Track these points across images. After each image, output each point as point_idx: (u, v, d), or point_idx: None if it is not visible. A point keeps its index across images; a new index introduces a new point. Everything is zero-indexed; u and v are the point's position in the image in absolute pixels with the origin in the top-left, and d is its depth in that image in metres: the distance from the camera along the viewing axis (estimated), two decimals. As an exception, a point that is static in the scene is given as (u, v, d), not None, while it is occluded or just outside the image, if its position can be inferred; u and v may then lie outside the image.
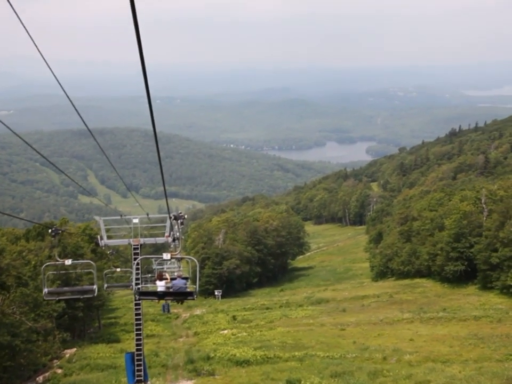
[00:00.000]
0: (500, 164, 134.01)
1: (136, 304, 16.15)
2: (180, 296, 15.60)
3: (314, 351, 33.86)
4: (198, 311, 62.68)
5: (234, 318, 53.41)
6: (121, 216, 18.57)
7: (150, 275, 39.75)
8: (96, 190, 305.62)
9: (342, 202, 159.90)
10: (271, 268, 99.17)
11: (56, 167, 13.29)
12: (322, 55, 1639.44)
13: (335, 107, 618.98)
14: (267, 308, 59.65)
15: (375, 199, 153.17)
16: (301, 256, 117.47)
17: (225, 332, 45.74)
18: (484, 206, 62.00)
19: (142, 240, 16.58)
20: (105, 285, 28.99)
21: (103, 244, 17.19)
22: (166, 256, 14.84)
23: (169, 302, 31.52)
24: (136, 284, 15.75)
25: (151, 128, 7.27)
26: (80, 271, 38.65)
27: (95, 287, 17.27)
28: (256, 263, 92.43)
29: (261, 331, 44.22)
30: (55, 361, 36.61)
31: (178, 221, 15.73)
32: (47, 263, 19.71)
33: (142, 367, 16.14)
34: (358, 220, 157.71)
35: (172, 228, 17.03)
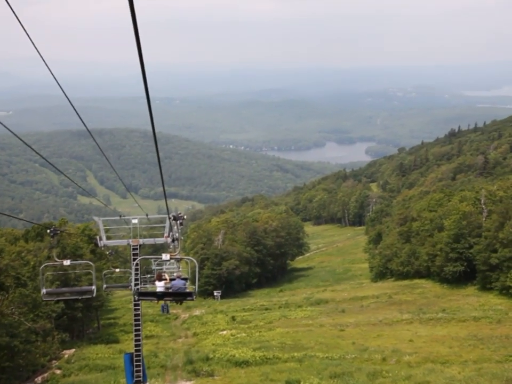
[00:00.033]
0: (499, 165, 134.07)
1: (135, 305, 16.12)
2: (179, 296, 15.57)
3: (314, 352, 33.84)
4: (197, 312, 62.62)
5: (233, 318, 53.35)
6: (120, 216, 18.53)
7: (149, 276, 39.63)
8: (95, 190, 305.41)
9: (341, 202, 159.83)
10: (270, 269, 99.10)
11: (55, 167, 13.27)
12: (322, 55, 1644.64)
13: (334, 107, 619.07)
14: (266, 309, 59.58)
15: (374, 200, 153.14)
16: (300, 257, 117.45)
17: (225, 332, 45.70)
18: (483, 206, 61.97)
19: (141, 241, 16.56)
20: (104, 286, 28.95)
21: (102, 244, 17.18)
22: (165, 256, 14.81)
23: (168, 302, 31.46)
24: (135, 285, 15.72)
25: (150, 129, 7.26)
26: (79, 271, 38.61)
27: (93, 287, 17.24)
28: (256, 264, 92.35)
29: (260, 332, 44.18)
30: (54, 361, 36.54)
31: (178, 222, 15.70)
32: (46, 264, 19.69)
33: (141, 368, 16.11)
34: (357, 220, 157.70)
35: (171, 229, 17.02)
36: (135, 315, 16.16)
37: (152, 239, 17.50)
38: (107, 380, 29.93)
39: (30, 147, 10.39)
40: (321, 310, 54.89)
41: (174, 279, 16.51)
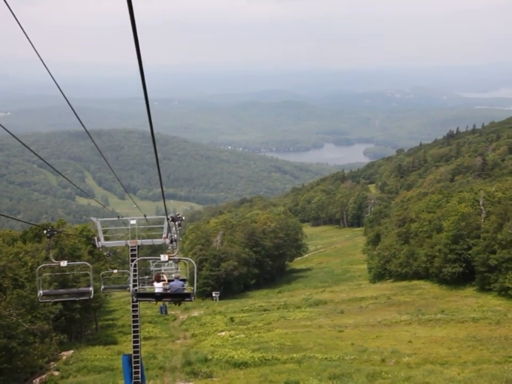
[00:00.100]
0: (497, 166, 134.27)
1: (133, 306, 16.07)
2: (177, 297, 15.49)
3: (313, 353, 33.77)
4: (195, 313, 62.49)
5: (232, 319, 53.24)
6: (118, 217, 18.47)
7: (147, 277, 39.56)
8: (93, 191, 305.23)
9: (339, 204, 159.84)
10: (268, 270, 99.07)
11: (53, 168, 13.21)
12: (322, 55, 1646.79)
13: (333, 109, 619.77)
14: (265, 310, 59.47)
15: (372, 201, 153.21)
16: (298, 258, 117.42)
17: (223, 333, 45.59)
18: (482, 207, 61.94)
19: (139, 242, 16.51)
20: (102, 287, 28.88)
21: (100, 245, 17.13)
22: (164, 257, 14.74)
23: (166, 303, 31.41)
24: (134, 286, 15.65)
25: (149, 130, 7.23)
26: (77, 272, 38.50)
27: (91, 289, 17.16)
28: (254, 265, 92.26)
29: (258, 333, 44.09)
30: (52, 363, 36.42)
31: (176, 223, 15.64)
32: (42, 265, 19.62)
33: (139, 369, 16.05)
34: (356, 221, 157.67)
35: (169, 230, 16.96)
36: (134, 316, 16.10)
37: (150, 240, 17.45)
38: (105, 381, 29.86)
39: (28, 148, 10.33)
40: (320, 311, 54.81)
41: (172, 280, 16.44)
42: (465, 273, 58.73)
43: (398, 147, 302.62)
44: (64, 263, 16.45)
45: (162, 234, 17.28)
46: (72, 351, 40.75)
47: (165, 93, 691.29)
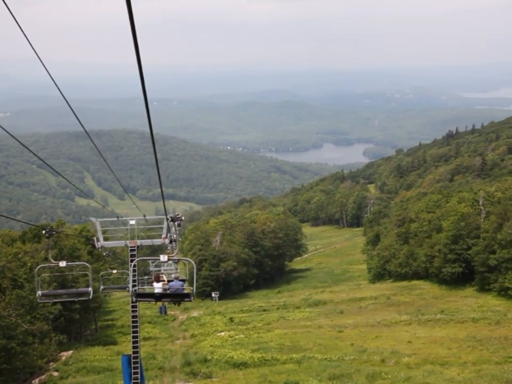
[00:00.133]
0: (496, 166, 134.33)
1: (133, 306, 16.03)
2: (177, 298, 15.46)
3: (312, 353, 33.73)
4: (195, 313, 62.46)
5: (231, 320, 53.21)
6: (118, 217, 18.43)
7: (146, 277, 39.54)
8: (93, 192, 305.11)
9: (339, 204, 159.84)
10: (268, 270, 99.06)
11: (53, 169, 13.17)
12: (322, 56, 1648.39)
13: (332, 109, 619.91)
14: (264, 310, 59.45)
15: (372, 201, 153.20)
16: (298, 258, 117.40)
17: (223, 334, 45.55)
18: (482, 207, 61.92)
19: (138, 242, 16.46)
20: (102, 287, 28.83)
21: (99, 246, 17.09)
22: (163, 258, 14.70)
23: (166, 304, 31.35)
24: (133, 286, 15.61)
25: (148, 130, 7.21)
26: (76, 273, 38.47)
27: (90, 289, 17.11)
28: (253, 265, 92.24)
29: (258, 333, 44.06)
30: (51, 363, 36.39)
31: (175, 223, 15.61)
32: (41, 265, 19.58)
33: (138, 370, 16.01)
34: (355, 221, 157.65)
35: (168, 230, 16.92)
36: (133, 317, 16.06)
37: (149, 240, 17.41)
38: (105, 381, 29.83)
39: (28, 148, 10.31)
40: (319, 311, 54.78)
41: (172, 280, 16.42)
42: (464, 273, 58.71)
43: (397, 147, 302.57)
44: (63, 264, 16.41)
45: (161, 234, 17.24)
46: (71, 351, 40.71)
47: (165, 93, 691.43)
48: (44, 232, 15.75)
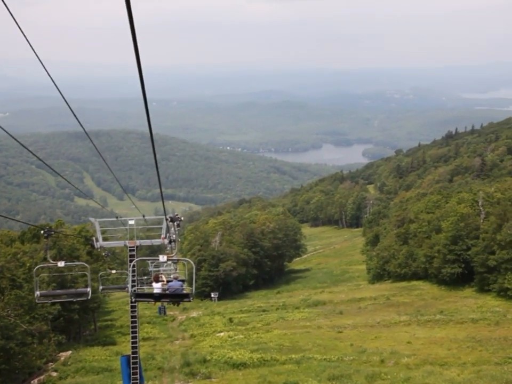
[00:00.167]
0: (496, 167, 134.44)
1: (132, 307, 15.97)
2: (176, 298, 15.42)
3: (312, 354, 33.70)
4: (194, 314, 62.43)
5: (230, 320, 53.18)
6: (117, 218, 18.37)
7: (146, 277, 39.48)
8: (92, 192, 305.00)
9: (338, 204, 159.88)
10: (267, 270, 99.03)
11: (52, 169, 13.12)
12: (322, 56, 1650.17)
13: (332, 109, 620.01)
14: (264, 310, 59.44)
15: (371, 202, 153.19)
16: (297, 258, 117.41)
17: (222, 334, 45.52)
18: (481, 208, 61.90)
19: (138, 242, 16.41)
20: (101, 287, 28.75)
21: (98, 246, 17.03)
22: (162, 258, 14.66)
23: (165, 304, 31.33)
24: (132, 286, 15.56)
25: (148, 130, 7.18)
26: (75, 273, 38.40)
27: (89, 289, 17.06)
28: (253, 265, 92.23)
29: (257, 333, 44.03)
30: (50, 364, 36.34)
31: (175, 223, 15.55)
32: (40, 265, 19.53)
33: (137, 370, 15.96)
34: (355, 222, 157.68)
35: (168, 230, 16.87)
36: (132, 317, 16.01)
37: (149, 241, 17.35)
38: (104, 382, 29.79)
39: (27, 148, 10.28)
40: (318, 312, 54.76)
41: (171, 281, 16.37)
42: (464, 274, 58.69)
43: (397, 147, 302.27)
44: (61, 264, 16.35)
45: (161, 234, 17.19)
46: (70, 351, 40.67)
47: (164, 93, 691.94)
48: (42, 232, 15.71)
